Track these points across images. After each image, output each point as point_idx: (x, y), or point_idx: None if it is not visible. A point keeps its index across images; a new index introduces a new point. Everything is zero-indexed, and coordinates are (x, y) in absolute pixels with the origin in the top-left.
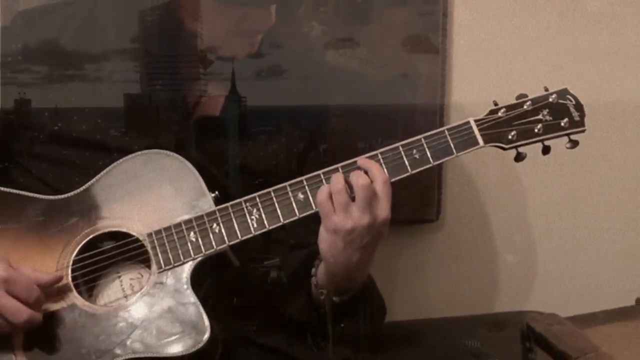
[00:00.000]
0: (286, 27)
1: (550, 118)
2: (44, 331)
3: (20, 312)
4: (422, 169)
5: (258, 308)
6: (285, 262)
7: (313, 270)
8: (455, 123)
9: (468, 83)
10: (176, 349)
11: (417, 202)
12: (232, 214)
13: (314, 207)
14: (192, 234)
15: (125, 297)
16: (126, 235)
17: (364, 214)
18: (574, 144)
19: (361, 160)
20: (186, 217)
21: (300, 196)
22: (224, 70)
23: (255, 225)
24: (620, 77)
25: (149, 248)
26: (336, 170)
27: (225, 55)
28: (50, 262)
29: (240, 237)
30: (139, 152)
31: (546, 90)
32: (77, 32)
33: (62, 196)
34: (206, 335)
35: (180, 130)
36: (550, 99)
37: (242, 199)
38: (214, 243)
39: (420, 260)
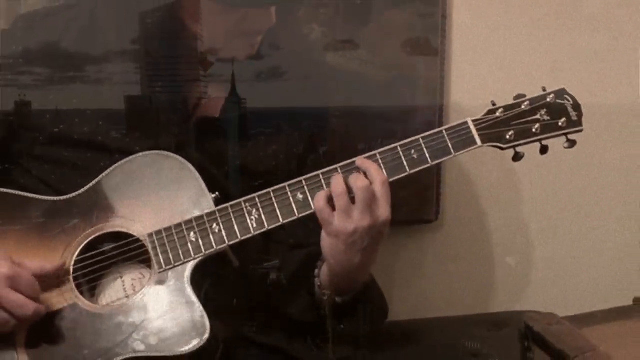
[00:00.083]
0: (286, 28)
1: (548, 118)
2: (47, 330)
3: (27, 306)
4: (420, 168)
5: (258, 308)
6: (285, 262)
7: (316, 271)
8: (454, 123)
9: (467, 84)
10: (177, 348)
11: (417, 203)
12: (231, 214)
13: (313, 207)
14: (192, 234)
15: (127, 297)
16: (127, 235)
17: (364, 216)
18: (572, 143)
19: (359, 160)
20: (186, 217)
21: (300, 196)
22: (224, 72)
23: (254, 225)
24: (618, 78)
25: (149, 248)
26: (335, 170)
27: (226, 57)
28: (54, 262)
29: (239, 237)
30: (140, 154)
31: (544, 90)
32: (78, 34)
33: (64, 197)
34: (206, 335)
35: (181, 132)
36: (548, 99)
37: (241, 200)
38: (214, 243)
39: (419, 260)
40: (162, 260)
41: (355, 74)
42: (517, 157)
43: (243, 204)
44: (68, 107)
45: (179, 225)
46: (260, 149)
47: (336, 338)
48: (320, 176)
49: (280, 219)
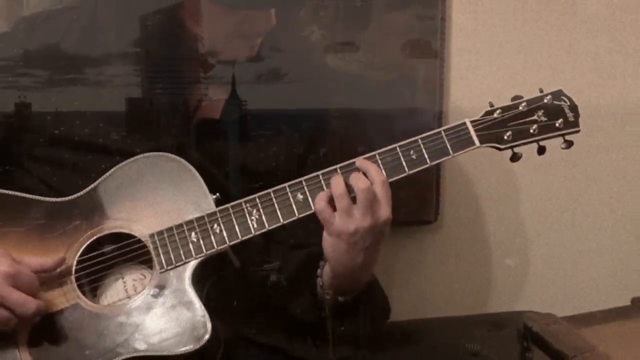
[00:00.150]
0: (286, 30)
1: (545, 119)
2: (49, 330)
3: (29, 304)
4: (419, 169)
5: (259, 308)
6: (286, 262)
7: (318, 271)
8: (452, 124)
9: (466, 87)
10: (178, 347)
11: (416, 204)
12: (232, 215)
13: (313, 208)
14: (193, 234)
15: (128, 297)
16: (129, 236)
17: (365, 216)
18: (569, 144)
19: (359, 161)
20: (187, 217)
21: (300, 197)
22: (225, 74)
23: (255, 225)
24: (618, 80)
25: (151, 249)
26: (335, 171)
27: (226, 59)
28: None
29: (240, 237)
30: (141, 155)
31: (541, 91)
32: (79, 37)
33: (66, 198)
34: (207, 335)
35: (182, 134)
36: (545, 100)
37: (242, 200)
38: (214, 243)
39: (418, 260)
40: (163, 261)
41: (355, 76)
42: (515, 158)
43: (244, 204)
44: (69, 109)
45: (180, 225)
46: (260, 150)
47: (338, 338)
48: (320, 177)
49: (281, 219)
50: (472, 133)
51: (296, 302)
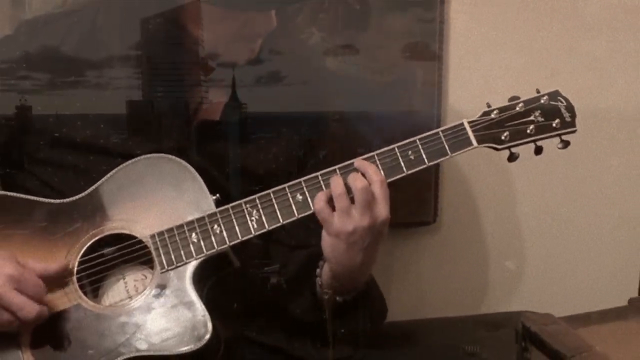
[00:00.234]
0: (286, 33)
1: (542, 119)
2: (51, 330)
3: (30, 308)
4: (417, 169)
5: (259, 307)
6: (286, 262)
7: (318, 271)
8: (450, 124)
9: (465, 89)
10: (179, 347)
11: (414, 205)
12: (232, 215)
13: (312, 208)
14: (193, 235)
15: (130, 297)
16: (130, 237)
17: (364, 216)
18: (565, 144)
19: (358, 162)
20: (188, 218)
21: (299, 197)
22: (225, 77)
23: (255, 226)
24: (616, 82)
25: (152, 249)
26: (334, 172)
27: (226, 62)
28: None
29: (240, 237)
30: (142, 157)
31: (538, 92)
32: (80, 40)
33: (67, 200)
34: (208, 335)
35: (182, 136)
36: (542, 101)
37: (242, 201)
38: (215, 244)
39: (417, 261)
40: (164, 261)
41: (354, 79)
42: (512, 158)
43: (243, 205)
44: (70, 111)
45: (180, 226)
46: (260, 152)
47: (337, 338)
48: (319, 177)
49: (280, 220)
50: (470, 133)
51: (296, 302)
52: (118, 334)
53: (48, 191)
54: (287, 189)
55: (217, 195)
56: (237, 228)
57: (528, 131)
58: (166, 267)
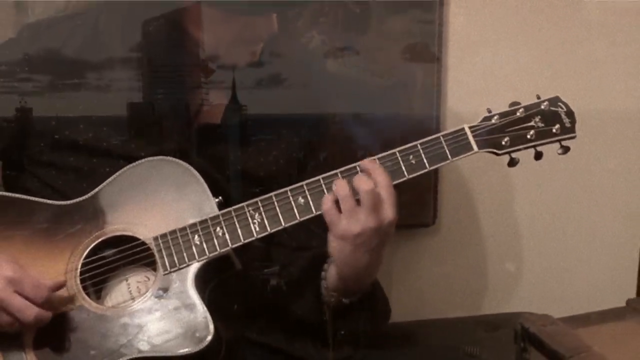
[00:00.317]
0: (286, 36)
1: (542, 125)
2: (54, 331)
3: (29, 310)
4: (418, 173)
5: (260, 309)
6: (288, 263)
7: (323, 273)
8: (451, 129)
9: (464, 91)
10: (181, 349)
11: (414, 207)
12: (235, 218)
13: (314, 211)
14: (196, 237)
15: (132, 299)
16: (133, 239)
17: (370, 217)
18: (565, 149)
19: (364, 163)
20: (191, 221)
21: (301, 200)
22: (225, 79)
23: (257, 228)
24: (616, 85)
25: (154, 251)
26: (335, 175)
27: (226, 64)
28: (60, 265)
29: (242, 240)
30: (145, 159)
31: (538, 98)
32: (82, 42)
33: (70, 202)
34: (210, 336)
35: (183, 138)
36: (542, 106)
37: (244, 204)
38: (217, 246)
39: (416, 263)
40: (167, 263)
41: (355, 81)
42: (512, 163)
43: (246, 207)
44: (72, 113)
45: (183, 228)
46: (260, 154)
47: (340, 339)
48: (321, 181)
49: (282, 223)
50: (471, 138)
51: (298, 303)
52: (120, 335)
53: (50, 193)
54: (289, 192)
55: (220, 197)
56: (239, 231)
57: (528, 136)
58: (169, 269)
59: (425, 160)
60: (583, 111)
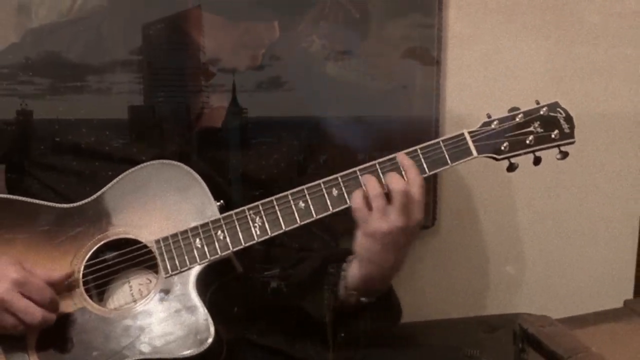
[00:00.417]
0: (286, 39)
1: (542, 130)
2: (57, 333)
3: (35, 313)
4: None
5: (260, 311)
6: (291, 265)
7: (342, 273)
8: (450, 134)
9: (464, 94)
10: (182, 351)
11: None
12: (236, 222)
13: (314, 215)
14: (197, 240)
15: (134, 301)
16: (135, 242)
17: (400, 217)
18: (564, 155)
19: (400, 158)
20: (192, 224)
21: (302, 204)
22: (225, 82)
23: (258, 232)
24: (615, 89)
25: (156, 254)
26: (335, 179)
27: (227, 67)
28: (63, 267)
29: (243, 243)
30: (147, 163)
31: (537, 103)
32: (86, 47)
33: (73, 205)
34: (211, 338)
35: (184, 141)
36: (542, 112)
37: (245, 207)
38: (218, 249)
39: (415, 264)
40: (168, 266)
41: (355, 84)
42: (511, 168)
43: (247, 211)
44: (75, 117)
45: (185, 232)
46: (261, 157)
47: (342, 340)
48: (322, 185)
49: (283, 227)
50: (470, 143)
51: (307, 304)
52: (122, 337)
53: (53, 196)
54: (289, 196)
55: (221, 201)
56: (240, 234)
57: (527, 142)
58: (170, 272)
59: (424, 165)
60: (582, 115)
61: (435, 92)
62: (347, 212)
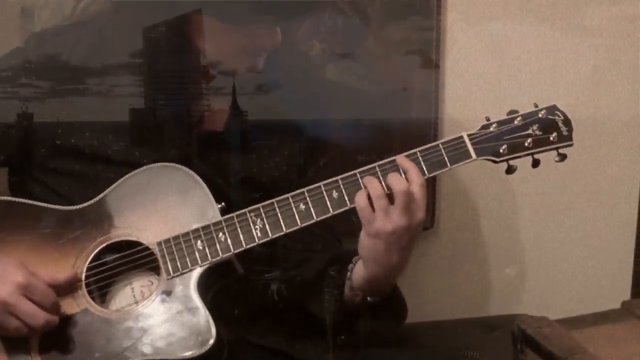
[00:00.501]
0: (287, 43)
1: (540, 133)
2: (59, 335)
3: (38, 315)
4: None
5: (261, 312)
6: (293, 267)
7: (348, 273)
8: (449, 137)
9: (463, 97)
10: (184, 352)
11: None
12: (237, 224)
13: (314, 217)
14: (199, 242)
15: (136, 302)
16: (137, 244)
17: (402, 216)
18: (562, 157)
19: (400, 160)
20: (194, 226)
21: (302, 206)
22: (225, 85)
23: (259, 234)
24: (614, 92)
25: (158, 256)
26: (336, 182)
27: (227, 70)
28: (65, 269)
29: (245, 245)
30: (150, 165)
31: (536, 106)
32: (87, 49)
33: (76, 207)
34: (212, 339)
35: (184, 143)
36: (540, 115)
37: (246, 210)
38: (220, 251)
39: (415, 265)
40: (170, 268)
41: (354, 87)
42: (510, 170)
43: (248, 213)
44: (77, 120)
45: (186, 234)
46: (262, 160)
47: (363, 339)
48: (322, 187)
49: (284, 229)
50: (469, 146)
51: (313, 303)
52: (124, 338)
53: (56, 198)
54: (290, 198)
55: (223, 203)
56: (241, 236)
57: (526, 144)
58: (172, 273)
59: (424, 167)
60: (581, 117)
61: (435, 95)
62: (348, 214)
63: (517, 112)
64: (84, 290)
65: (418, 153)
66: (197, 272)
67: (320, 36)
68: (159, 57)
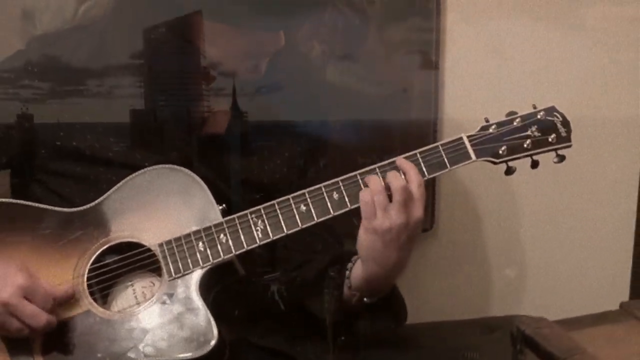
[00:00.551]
0: (287, 44)
1: (539, 134)
2: (61, 336)
3: (39, 317)
4: None
5: (262, 313)
6: (294, 268)
7: (347, 272)
8: (449, 139)
9: (462, 98)
10: (185, 353)
11: None
12: (238, 225)
13: (315, 219)
14: (200, 244)
15: (138, 304)
16: (138, 245)
17: (400, 214)
18: (561, 158)
19: (399, 160)
20: (195, 228)
21: (303, 208)
22: (225, 86)
23: (260, 235)
24: (613, 93)
25: (159, 257)
26: (336, 183)
27: (227, 71)
28: (67, 271)
29: (246, 246)
30: (151, 167)
31: (535, 107)
32: (88, 51)
33: (77, 209)
34: (214, 340)
35: (185, 145)
36: (539, 116)
37: (247, 211)
38: (221, 252)
39: (414, 267)
40: (171, 269)
41: (354, 89)
42: (509, 171)
43: (249, 215)
44: (79, 123)
45: (188, 235)
46: (263, 161)
47: (362, 338)
48: (323, 189)
49: (285, 230)
50: (469, 147)
51: (315, 303)
52: (126, 339)
53: (57, 200)
54: (291, 199)
55: (224, 205)
56: (242, 237)
57: (525, 146)
58: (173, 274)
59: (424, 169)
60: (580, 118)
61: (434, 96)
62: (348, 215)
63: (516, 113)
64: (86, 291)
65: (418, 154)
66: (199, 273)
67: (321, 37)
68: (160, 58)
